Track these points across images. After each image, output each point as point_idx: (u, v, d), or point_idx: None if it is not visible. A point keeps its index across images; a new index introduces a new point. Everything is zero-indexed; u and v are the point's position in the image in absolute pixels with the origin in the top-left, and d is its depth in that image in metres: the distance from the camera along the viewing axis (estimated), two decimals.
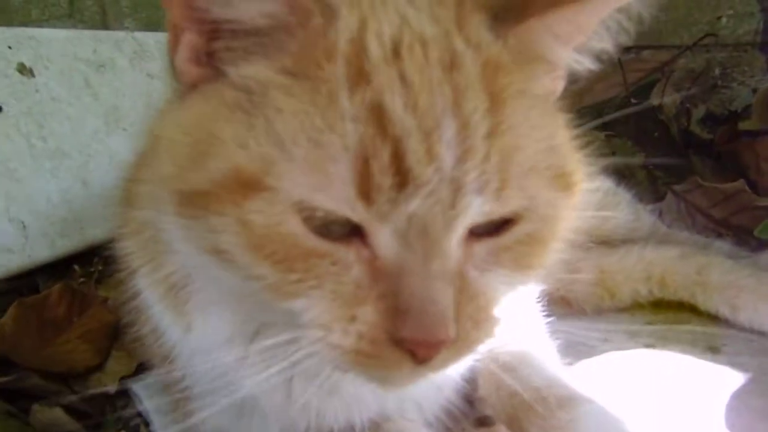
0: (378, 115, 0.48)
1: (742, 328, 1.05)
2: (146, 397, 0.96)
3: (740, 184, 1.29)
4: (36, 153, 1.26)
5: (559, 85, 0.62)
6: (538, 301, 0.91)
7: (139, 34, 1.56)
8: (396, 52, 0.51)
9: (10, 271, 1.18)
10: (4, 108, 1.23)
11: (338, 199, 0.49)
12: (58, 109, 1.32)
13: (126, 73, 1.49)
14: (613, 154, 1.59)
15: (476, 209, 0.51)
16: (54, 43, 1.35)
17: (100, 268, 1.31)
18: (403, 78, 0.50)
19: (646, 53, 1.86)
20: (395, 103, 0.49)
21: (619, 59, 1.81)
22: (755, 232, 1.17)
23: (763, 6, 1.69)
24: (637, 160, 1.56)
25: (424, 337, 0.49)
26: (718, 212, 1.34)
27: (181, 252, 0.61)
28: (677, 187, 1.42)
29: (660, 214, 1.39)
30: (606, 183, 1.28)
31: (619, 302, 1.16)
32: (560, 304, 1.09)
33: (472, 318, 0.53)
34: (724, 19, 1.77)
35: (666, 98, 1.61)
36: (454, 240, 0.52)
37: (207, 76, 0.56)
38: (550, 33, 0.56)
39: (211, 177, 0.51)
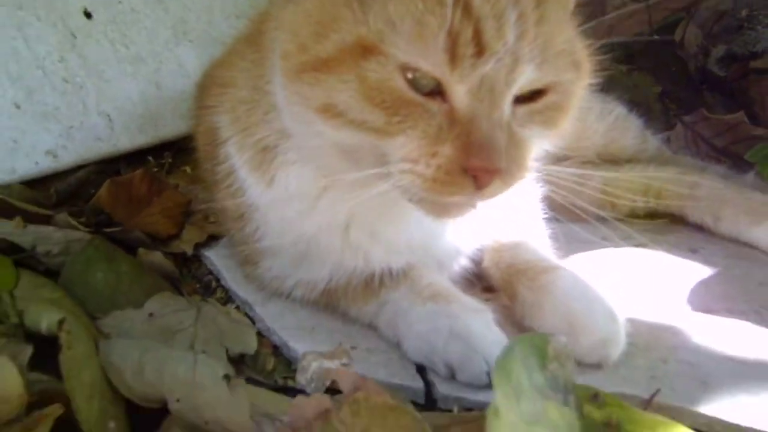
0: (464, 3, 0.66)
1: (722, 237, 1.22)
2: (217, 258, 1.17)
3: (740, 115, 1.41)
4: (120, 57, 1.45)
5: None
6: (542, 204, 1.08)
7: None
8: None
9: (99, 156, 1.40)
10: (94, 15, 1.41)
11: (433, 63, 0.68)
12: (136, 19, 1.50)
13: None
14: (635, 86, 1.71)
15: (527, 76, 0.71)
16: None
17: (170, 160, 1.53)
18: None
19: None
20: None
21: None
22: (746, 156, 1.30)
23: None
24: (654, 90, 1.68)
25: (487, 165, 0.68)
26: (719, 141, 1.47)
27: (286, 114, 0.81)
28: (686, 118, 1.55)
29: (668, 141, 1.53)
30: (618, 108, 1.43)
31: (618, 212, 1.33)
32: (564, 211, 1.26)
33: (515, 160, 0.72)
34: None
35: (687, 35, 1.71)
36: (508, 99, 0.71)
37: None
38: None
39: (337, 45, 0.70)
